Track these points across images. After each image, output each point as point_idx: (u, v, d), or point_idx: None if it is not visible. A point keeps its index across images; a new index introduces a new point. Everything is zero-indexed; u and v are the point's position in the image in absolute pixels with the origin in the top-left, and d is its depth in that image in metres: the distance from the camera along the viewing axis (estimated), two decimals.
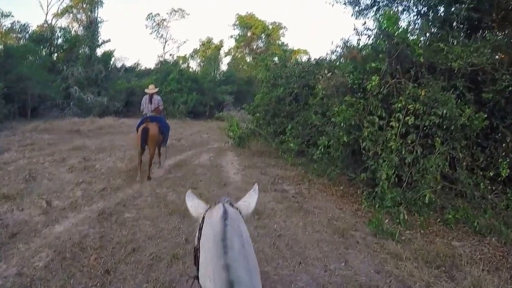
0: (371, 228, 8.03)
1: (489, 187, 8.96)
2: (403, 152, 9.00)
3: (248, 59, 53.37)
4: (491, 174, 8.91)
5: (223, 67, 48.97)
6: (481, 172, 9.09)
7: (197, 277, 2.13)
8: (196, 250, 2.16)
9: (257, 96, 19.16)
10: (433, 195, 8.48)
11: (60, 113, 31.51)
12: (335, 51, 17.33)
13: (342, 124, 9.90)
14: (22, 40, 37.47)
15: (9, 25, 38.49)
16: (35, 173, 11.33)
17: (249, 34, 52.80)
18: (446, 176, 9.18)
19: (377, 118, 9.52)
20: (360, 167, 10.17)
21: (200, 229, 2.16)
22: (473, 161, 9.43)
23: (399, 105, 9.07)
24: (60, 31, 38.95)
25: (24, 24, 38.26)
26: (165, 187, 10.55)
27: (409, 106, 8.98)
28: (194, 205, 2.45)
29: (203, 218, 2.20)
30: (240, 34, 53.58)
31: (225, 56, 53.98)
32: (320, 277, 5.97)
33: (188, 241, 6.88)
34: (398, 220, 8.34)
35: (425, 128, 9.01)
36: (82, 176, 11.20)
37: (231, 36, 53.38)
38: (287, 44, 52.55)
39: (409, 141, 9.05)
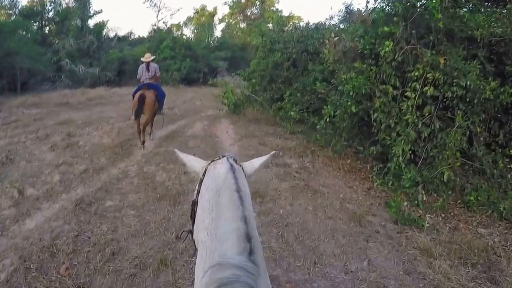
0: (390, 213, 6.84)
1: (509, 166, 7.91)
2: (419, 126, 7.82)
3: (242, 25, 51.82)
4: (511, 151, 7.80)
5: (217, 34, 47.64)
6: (499, 149, 8.02)
7: (191, 232, 2.11)
8: (194, 204, 2.07)
9: (253, 62, 18.09)
10: (452, 173, 7.35)
11: (51, 86, 30.21)
12: (338, 15, 16.15)
13: (351, 93, 8.63)
14: (13, 17, 35.28)
15: None
16: (14, 154, 10.03)
17: (243, 0, 51.11)
18: (463, 152, 8.01)
19: (390, 88, 8.28)
20: (368, 140, 9.16)
21: (201, 182, 2.04)
22: (491, 137, 8.32)
23: (416, 73, 7.83)
24: (50, 5, 36.99)
25: (13, 0, 36.13)
26: (154, 164, 9.30)
27: (428, 75, 7.74)
28: (191, 159, 2.34)
29: (205, 170, 2.07)
30: (235, 0, 51.88)
31: (219, 23, 52.59)
32: (341, 282, 4.76)
33: (178, 238, 5.61)
34: (416, 201, 7.23)
35: (444, 99, 7.84)
36: (64, 155, 9.87)
37: (225, 3, 52.15)
38: (282, 10, 51.02)
39: (426, 114, 7.89)
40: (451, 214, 6.97)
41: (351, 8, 18.71)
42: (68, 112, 17.36)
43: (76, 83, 29.99)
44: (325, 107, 9.81)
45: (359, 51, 9.30)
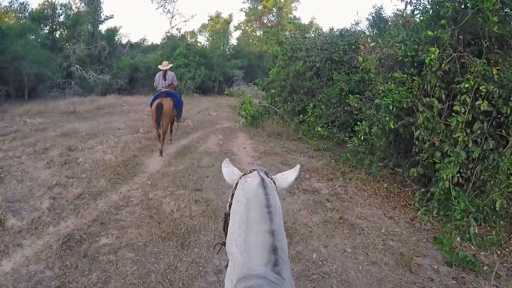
0: (441, 253, 5.63)
1: None
2: (469, 145, 6.67)
3: (259, 33, 50.69)
4: None
5: (233, 41, 46.40)
6: None
7: (224, 244, 2.07)
8: (227, 216, 2.07)
9: (272, 71, 17.38)
10: (504, 201, 6.26)
11: (60, 93, 29.30)
12: (368, 18, 14.96)
13: (391, 107, 7.45)
14: (22, 20, 34.49)
15: (7, 5, 35.94)
16: (6, 171, 8.99)
17: (260, 7, 50.04)
18: None
19: (435, 101, 7.17)
20: (407, 160, 8.20)
21: (233, 195, 2.02)
22: None
23: (466, 85, 6.64)
24: (61, 8, 36.36)
25: (23, 3, 35.59)
26: (161, 188, 8.09)
27: (480, 87, 6.56)
28: (229, 171, 2.28)
29: (237, 183, 2.06)
30: (251, 7, 50.85)
31: (235, 30, 51.47)
32: None
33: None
34: (467, 235, 6.08)
35: (499, 116, 6.70)
36: (60, 174, 8.73)
37: (241, 10, 50.72)
38: (299, 18, 49.81)
39: (477, 131, 6.73)
40: (507, 250, 5.84)
41: (382, 12, 17.32)
42: (74, 121, 16.48)
43: (86, 90, 29.42)
44: (359, 123, 8.65)
45: (399, 58, 8.09)
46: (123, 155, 10.44)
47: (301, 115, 13.82)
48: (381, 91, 7.91)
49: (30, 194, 7.56)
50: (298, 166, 2.37)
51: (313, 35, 18.41)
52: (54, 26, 36.36)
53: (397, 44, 8.36)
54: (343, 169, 9.77)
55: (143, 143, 11.24)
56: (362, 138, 8.40)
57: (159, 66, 12.57)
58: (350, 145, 9.06)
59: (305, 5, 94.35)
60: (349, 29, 16.62)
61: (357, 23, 17.86)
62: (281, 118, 14.93)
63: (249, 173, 2.07)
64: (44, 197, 7.29)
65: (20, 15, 35.70)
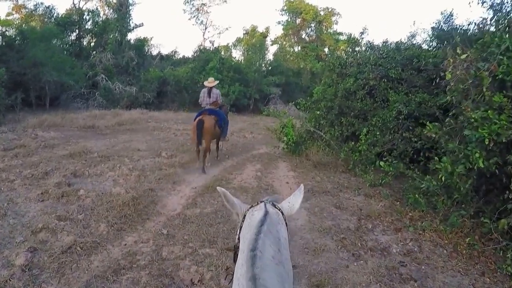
0: None
1: None
2: None
3: (296, 49, 48.99)
4: None
5: (269, 56, 44.18)
6: None
7: None
8: (236, 249, 2.05)
9: (317, 89, 15.50)
10: None
11: (83, 103, 28.17)
12: (435, 27, 13.06)
13: (487, 141, 5.75)
14: (48, 25, 33.73)
15: (32, 8, 36.07)
16: None
17: (298, 21, 48.31)
18: None
19: None
20: (495, 206, 6.45)
21: (241, 228, 2.06)
22: None
23: None
24: (88, 14, 35.68)
25: (48, 7, 35.79)
26: (179, 242, 6.13)
27: None
28: (233, 205, 2.23)
29: (244, 216, 2.08)
30: (289, 20, 48.95)
31: (272, 44, 49.20)
32: None
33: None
34: None
35: None
36: (52, 212, 6.91)
37: (279, 22, 48.88)
38: (341, 32, 47.94)
39: None
40: None
41: (451, 20, 15.22)
42: (90, 138, 15.02)
43: (111, 102, 28.39)
44: (436, 158, 7.11)
45: (498, 76, 6.32)
46: (136, 187, 8.59)
47: (352, 142, 12.03)
48: (472, 120, 6.13)
49: (8, 237, 5.87)
50: (302, 186, 2.37)
51: (363, 48, 16.42)
52: (81, 33, 35.66)
53: (493, 57, 6.44)
54: (411, 214, 7.92)
55: (163, 172, 9.59)
56: (443, 179, 6.58)
57: (205, 83, 12.49)
58: (424, 185, 7.21)
59: (346, 19, 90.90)
60: (404, 41, 14.75)
61: (413, 36, 15.79)
62: (327, 145, 13.04)
63: (256, 205, 2.09)
64: (22, 247, 5.45)
65: (46, 19, 35.43)
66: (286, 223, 2.06)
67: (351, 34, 13.77)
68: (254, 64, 36.43)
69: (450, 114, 7.64)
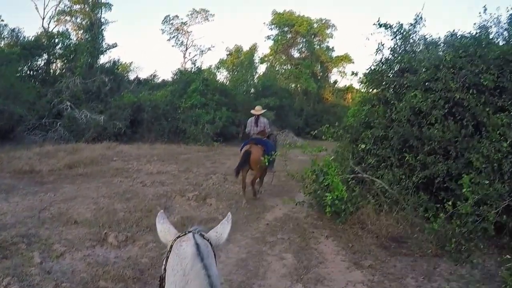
0: None
1: None
2: None
3: (287, 67, 43.47)
4: None
5: (257, 78, 38.60)
6: None
7: None
8: (162, 280, 1.88)
9: (352, 111, 11.90)
10: None
11: (42, 136, 22.59)
12: None
13: None
14: (14, 48, 29.34)
15: None
16: None
17: (289, 35, 42.66)
18: None
19: None
20: None
21: (167, 258, 1.87)
22: None
23: None
24: (58, 37, 31.15)
25: (14, 29, 30.48)
26: None
27: None
28: (164, 229, 2.09)
29: (171, 246, 1.89)
30: (279, 35, 43.12)
31: (261, 63, 42.99)
32: None
33: None
34: None
35: None
36: None
37: (268, 37, 42.93)
38: (333, 48, 43.07)
39: None
40: None
41: None
42: (13, 193, 9.94)
43: (75, 134, 23.11)
44: None
45: None
46: None
47: (422, 193, 7.56)
48: None
49: None
50: (230, 215, 2.21)
51: (420, 46, 10.79)
52: (50, 58, 31.00)
53: None
54: None
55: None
56: None
57: (252, 111, 12.01)
58: None
59: (342, 33, 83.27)
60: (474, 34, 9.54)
61: (484, 27, 10.22)
62: (394, 202, 7.78)
63: (184, 235, 1.92)
64: None
65: (12, 43, 30.63)
66: (214, 254, 1.88)
67: (401, 25, 8.36)
68: (242, 85, 30.89)
69: None
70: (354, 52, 53.49)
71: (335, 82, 46.36)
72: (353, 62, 43.61)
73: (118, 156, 16.37)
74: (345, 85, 47.57)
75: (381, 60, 9.81)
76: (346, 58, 44.12)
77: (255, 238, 7.48)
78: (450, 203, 6.67)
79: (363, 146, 8.66)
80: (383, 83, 9.35)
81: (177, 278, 1.67)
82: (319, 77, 42.11)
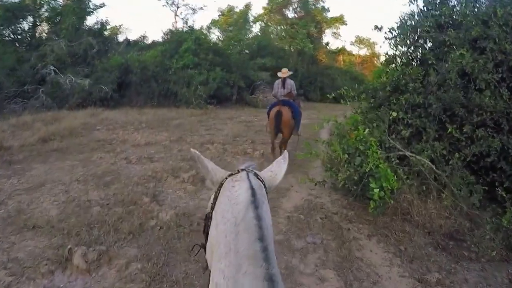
0: None
1: None
2: None
3: (281, 27, 41.13)
4: None
5: (252, 37, 36.39)
6: None
7: (204, 246, 1.79)
8: (208, 219, 1.72)
9: (377, 71, 11.02)
10: None
11: (24, 104, 20.14)
12: None
13: None
14: None
15: None
16: None
17: None
18: None
19: None
20: None
21: (216, 198, 1.68)
22: None
23: None
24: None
25: None
26: None
27: None
28: (211, 167, 1.77)
29: (221, 185, 1.68)
30: None
31: (255, 22, 41.00)
32: None
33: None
34: None
35: None
36: None
37: None
38: (329, 8, 41.31)
39: None
40: None
41: None
42: None
43: (58, 100, 20.70)
44: None
45: None
46: None
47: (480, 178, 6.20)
48: None
49: None
50: (286, 153, 2.02)
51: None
52: (36, 21, 28.17)
53: None
54: None
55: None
56: None
57: (278, 74, 10.94)
58: None
59: None
60: None
61: None
62: (441, 186, 6.08)
63: (237, 173, 1.70)
64: None
65: None
66: (268, 196, 1.66)
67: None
68: (236, 45, 28.75)
69: None
70: (348, 13, 52.47)
71: (327, 43, 45.42)
72: (346, 24, 43.78)
73: (102, 124, 14.29)
74: (337, 47, 46.35)
75: (411, 13, 7.89)
76: (340, 20, 43.37)
77: (277, 241, 5.35)
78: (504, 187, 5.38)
79: (394, 114, 6.73)
80: (418, 40, 7.46)
81: (228, 227, 1.42)
82: (313, 38, 40.25)
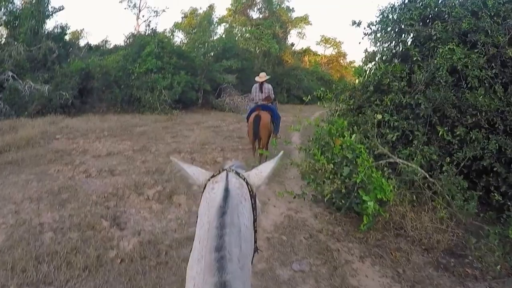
0: None
1: None
2: None
3: (246, 28, 40.35)
4: None
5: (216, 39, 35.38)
6: None
7: None
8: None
9: (357, 70, 8.73)
10: None
11: None
12: None
13: None
14: None
15: None
16: None
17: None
18: None
19: None
20: None
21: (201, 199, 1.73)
22: None
23: None
24: (0, 2, 26.62)
25: None
26: None
27: None
28: (194, 171, 1.83)
29: (205, 186, 1.72)
30: None
31: (219, 24, 39.63)
32: None
33: None
34: None
35: None
36: None
37: None
38: (293, 8, 41.47)
39: None
40: None
41: None
42: None
43: (17, 108, 19.54)
44: None
45: None
46: None
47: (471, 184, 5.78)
48: None
49: None
50: (282, 153, 2.00)
51: None
52: None
53: None
54: None
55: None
56: None
57: (256, 78, 11.21)
58: None
59: None
60: None
61: None
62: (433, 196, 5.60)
63: (218, 174, 1.73)
64: None
65: None
66: (252, 194, 1.69)
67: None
68: (200, 47, 27.73)
69: None
70: (312, 13, 52.83)
71: (292, 44, 45.52)
72: (311, 24, 44.92)
73: (62, 133, 13.33)
74: (302, 48, 46.53)
75: (392, 6, 7.41)
76: (305, 20, 43.93)
77: (259, 272, 4.67)
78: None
79: (379, 116, 6.20)
80: (400, 35, 6.99)
81: (202, 233, 1.47)
82: (279, 39, 40.06)
